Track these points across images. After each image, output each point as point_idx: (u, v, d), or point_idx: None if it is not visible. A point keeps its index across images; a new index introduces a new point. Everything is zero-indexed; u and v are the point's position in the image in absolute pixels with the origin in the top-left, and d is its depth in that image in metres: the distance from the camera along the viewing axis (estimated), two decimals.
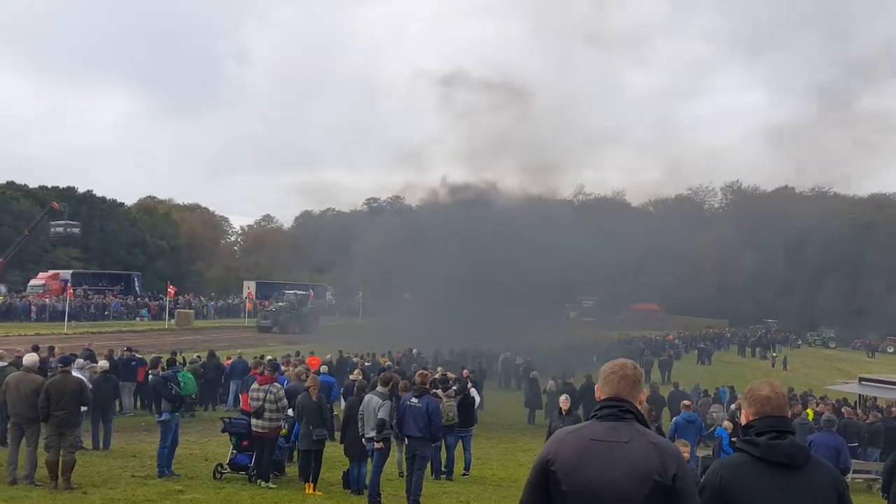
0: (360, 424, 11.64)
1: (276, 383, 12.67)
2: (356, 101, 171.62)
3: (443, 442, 14.58)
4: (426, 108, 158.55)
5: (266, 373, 13.03)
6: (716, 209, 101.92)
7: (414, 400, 11.32)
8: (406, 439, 11.64)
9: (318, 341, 39.68)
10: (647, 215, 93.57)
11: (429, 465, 12.76)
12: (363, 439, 11.63)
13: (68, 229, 62.60)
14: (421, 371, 12.79)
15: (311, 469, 12.25)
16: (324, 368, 20.85)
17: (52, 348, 20.62)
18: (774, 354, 57.28)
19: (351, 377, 18.57)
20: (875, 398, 28.72)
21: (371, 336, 42.19)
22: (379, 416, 11.25)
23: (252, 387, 12.89)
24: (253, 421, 12.42)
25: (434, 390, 14.65)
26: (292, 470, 13.55)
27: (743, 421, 3.55)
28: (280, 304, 52.19)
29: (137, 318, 53.12)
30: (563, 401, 13.86)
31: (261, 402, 12.23)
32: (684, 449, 10.41)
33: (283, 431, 13.23)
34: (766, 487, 3.23)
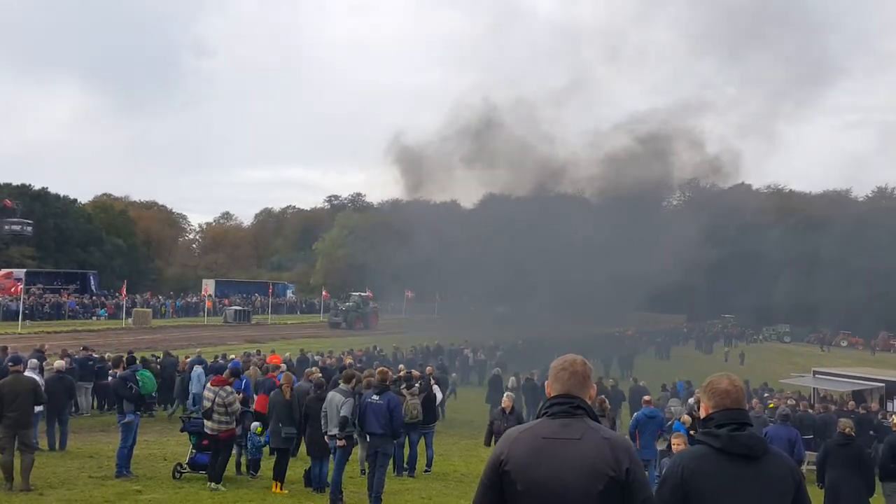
0: (322, 422, 11.62)
1: (227, 387, 12.36)
2: (319, 95, 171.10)
3: (406, 439, 14.64)
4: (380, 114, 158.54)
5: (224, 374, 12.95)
6: (674, 206, 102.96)
7: (375, 397, 11.30)
8: (368, 437, 11.64)
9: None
10: (606, 212, 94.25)
11: (391, 461, 12.78)
12: (326, 437, 11.61)
13: (23, 228, 61.34)
14: (381, 368, 12.77)
15: (279, 468, 12.24)
16: (283, 367, 20.75)
17: (4, 348, 20.23)
18: (727, 349, 58.23)
19: (310, 375, 18.51)
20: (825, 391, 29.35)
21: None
22: (341, 414, 11.23)
23: (206, 386, 12.75)
24: (204, 421, 12.31)
25: (400, 388, 14.71)
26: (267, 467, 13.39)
27: (702, 414, 3.57)
28: (348, 304, 58.87)
29: (94, 318, 52.15)
30: (506, 399, 13.64)
31: (210, 404, 12.07)
32: (676, 441, 10.50)
33: (259, 430, 13.15)
34: (726, 478, 3.27)
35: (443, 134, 71.65)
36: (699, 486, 3.28)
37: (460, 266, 58.31)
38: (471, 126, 67.66)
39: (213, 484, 12.05)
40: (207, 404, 12.15)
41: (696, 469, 3.31)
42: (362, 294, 60.91)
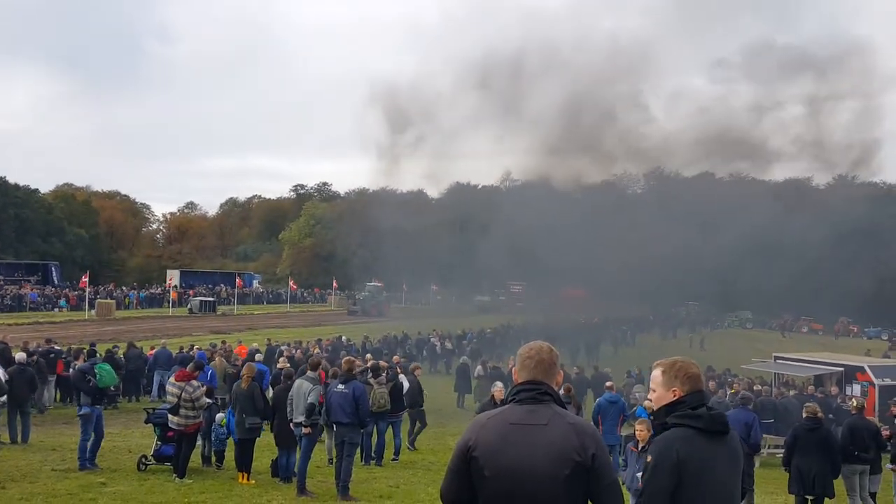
0: (289, 409, 11.60)
1: (194, 381, 12.18)
2: (286, 83, 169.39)
3: (374, 428, 14.64)
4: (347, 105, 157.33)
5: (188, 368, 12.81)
6: (639, 195, 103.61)
7: (341, 386, 11.30)
8: (335, 426, 11.64)
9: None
10: (574, 201, 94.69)
11: (358, 451, 12.78)
12: (292, 424, 11.58)
13: None
14: (347, 358, 12.77)
15: (244, 458, 12.17)
16: (259, 357, 20.75)
17: None
18: (691, 336, 59.08)
19: (278, 365, 18.51)
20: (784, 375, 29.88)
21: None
22: (308, 401, 11.23)
23: (169, 381, 12.60)
24: (169, 416, 12.15)
25: (367, 377, 14.72)
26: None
27: (668, 398, 3.66)
28: (365, 293, 65.07)
29: (56, 309, 51.41)
30: (499, 391, 12.63)
31: (176, 399, 11.90)
32: (640, 427, 10.59)
33: (223, 422, 13.07)
34: (710, 455, 3.44)
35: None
36: (691, 465, 3.41)
37: (431, 255, 58.96)
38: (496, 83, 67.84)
39: (178, 479, 11.94)
40: (173, 399, 11.96)
41: (688, 450, 3.45)
42: (376, 284, 65.95)
